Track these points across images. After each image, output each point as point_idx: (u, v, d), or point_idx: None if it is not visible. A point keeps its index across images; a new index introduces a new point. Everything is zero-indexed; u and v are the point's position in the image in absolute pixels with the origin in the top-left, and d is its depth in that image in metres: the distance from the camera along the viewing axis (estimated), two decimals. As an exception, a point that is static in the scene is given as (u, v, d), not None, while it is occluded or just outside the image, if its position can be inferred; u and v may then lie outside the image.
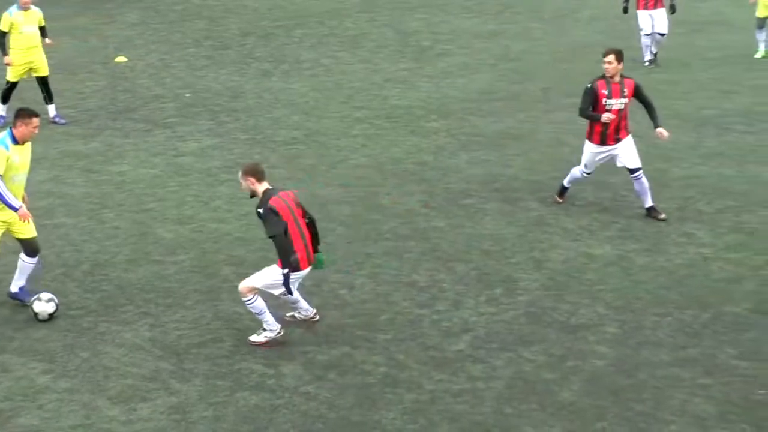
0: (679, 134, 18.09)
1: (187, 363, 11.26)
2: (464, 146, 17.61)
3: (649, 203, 14.74)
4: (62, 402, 10.58)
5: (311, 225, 11.64)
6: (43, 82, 18.67)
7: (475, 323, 12.04)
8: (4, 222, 12.00)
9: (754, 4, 23.79)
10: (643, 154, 17.06)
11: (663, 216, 14.60)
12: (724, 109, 19.39)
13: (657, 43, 22.61)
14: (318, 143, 17.86)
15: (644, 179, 14.68)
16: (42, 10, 18.72)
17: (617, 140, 14.81)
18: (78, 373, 11.08)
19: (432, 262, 13.51)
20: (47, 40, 18.60)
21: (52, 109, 18.93)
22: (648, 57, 22.53)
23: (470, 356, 11.37)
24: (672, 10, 22.55)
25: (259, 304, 11.42)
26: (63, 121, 18.70)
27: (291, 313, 12.02)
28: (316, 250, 11.64)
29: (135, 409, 10.45)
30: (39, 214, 13.92)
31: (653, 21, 22.42)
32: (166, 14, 27.27)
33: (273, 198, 11.27)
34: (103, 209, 15.08)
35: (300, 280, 11.55)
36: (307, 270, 11.58)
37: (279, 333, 11.57)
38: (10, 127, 11.99)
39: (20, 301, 12.33)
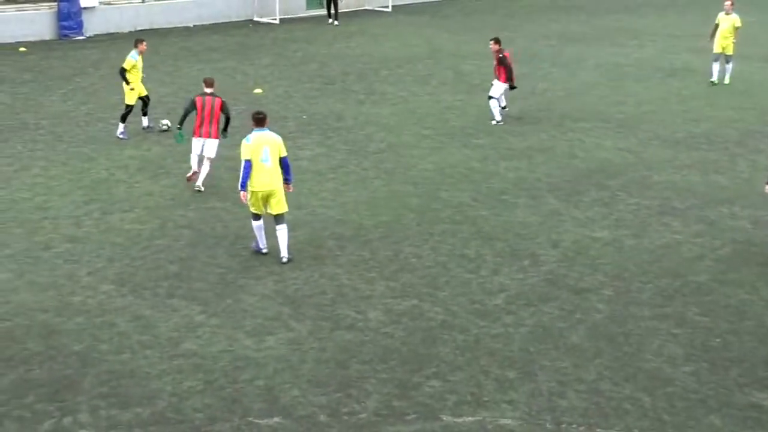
0: (659, 151, 17.76)
1: (301, 309, 11.29)
2: (502, 157, 17.43)
3: None
4: (213, 334, 10.67)
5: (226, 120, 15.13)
6: (144, 100, 18.67)
7: (509, 285, 11.93)
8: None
9: (711, 42, 23.26)
10: (632, 165, 16.83)
11: None
12: (693, 133, 18.99)
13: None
14: (397, 153, 17.78)
15: None
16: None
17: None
18: (224, 314, 11.16)
19: (477, 240, 13.39)
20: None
21: (145, 120, 18.85)
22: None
23: (504, 309, 11.27)
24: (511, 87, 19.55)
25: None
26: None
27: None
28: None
29: (264, 341, 10.51)
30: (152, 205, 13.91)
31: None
32: (290, 58, 27.31)
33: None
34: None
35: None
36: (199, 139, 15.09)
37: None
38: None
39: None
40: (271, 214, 12.46)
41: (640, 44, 29.27)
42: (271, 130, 12.63)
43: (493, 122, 19.51)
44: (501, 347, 10.33)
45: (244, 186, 12.28)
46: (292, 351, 10.26)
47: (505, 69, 19.44)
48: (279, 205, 12.40)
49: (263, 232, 12.63)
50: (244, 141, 12.37)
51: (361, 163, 17.11)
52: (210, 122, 15.22)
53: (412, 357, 10.12)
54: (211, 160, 15.44)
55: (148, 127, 18.97)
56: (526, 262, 12.58)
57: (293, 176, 12.82)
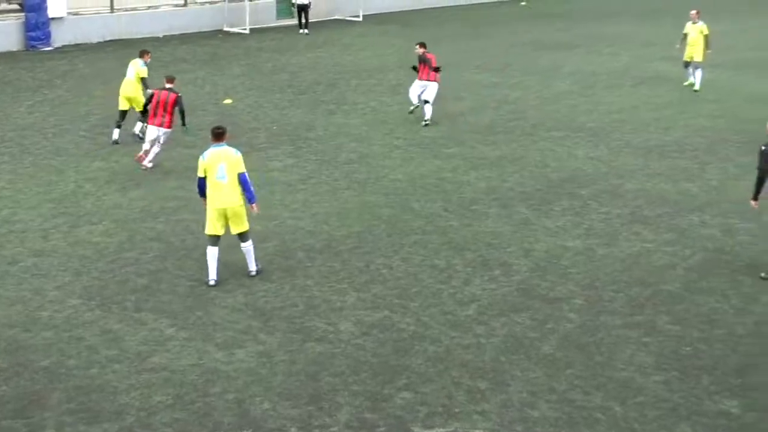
0: (631, 159, 17.94)
1: (271, 321, 11.30)
2: (473, 166, 17.53)
3: None
4: (183, 347, 10.65)
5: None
6: (123, 114, 19.07)
7: (480, 295, 11.99)
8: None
9: (681, 50, 23.88)
10: (603, 174, 16.99)
11: None
12: (664, 141, 19.20)
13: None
14: (368, 163, 17.84)
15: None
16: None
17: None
18: (194, 327, 11.14)
19: (448, 251, 13.46)
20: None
21: (116, 133, 19.02)
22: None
23: (476, 319, 11.33)
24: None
25: None
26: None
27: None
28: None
29: (234, 353, 10.50)
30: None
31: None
32: (260, 68, 27.34)
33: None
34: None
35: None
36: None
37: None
38: None
39: None
40: (233, 234, 12.24)
41: (615, 52, 29.57)
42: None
43: (426, 119, 20.30)
44: (472, 358, 10.39)
45: (203, 195, 12.21)
46: (263, 364, 10.27)
47: (426, 66, 20.18)
48: (239, 223, 12.10)
49: (216, 263, 12.16)
50: (200, 157, 12.20)
51: (331, 173, 17.15)
52: (164, 113, 16.95)
53: (384, 369, 10.16)
54: (161, 146, 17.20)
55: (116, 142, 18.92)
56: (497, 272, 12.66)
57: (256, 194, 12.37)
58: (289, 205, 15.44)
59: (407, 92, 21.15)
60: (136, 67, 18.90)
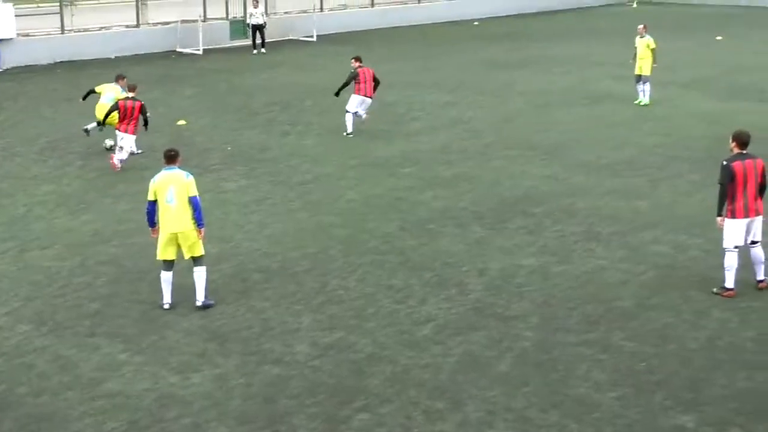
0: (584, 177, 18.16)
1: (227, 344, 11.24)
2: (428, 185, 17.62)
3: None
4: (137, 372, 10.55)
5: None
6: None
7: (436, 315, 12.04)
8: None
9: (634, 65, 24.47)
10: (557, 192, 17.17)
11: None
12: (616, 159, 19.46)
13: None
14: (323, 184, 17.85)
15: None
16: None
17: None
18: (148, 351, 11.04)
19: (404, 270, 13.50)
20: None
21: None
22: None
23: (432, 339, 11.36)
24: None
25: None
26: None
27: None
28: None
29: (189, 377, 10.42)
30: (81, 242, 13.76)
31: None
32: (214, 89, 27.28)
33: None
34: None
35: None
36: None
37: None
38: None
39: None
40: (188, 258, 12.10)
41: (566, 71, 29.94)
42: (195, 162, 12.62)
43: (345, 134, 21.29)
44: (429, 377, 10.42)
45: (152, 224, 12.07)
46: (219, 387, 10.21)
47: (365, 81, 21.21)
48: (193, 248, 11.96)
49: (170, 287, 12.04)
50: (151, 180, 12.08)
51: (286, 194, 17.14)
52: (129, 120, 18.41)
53: (341, 390, 10.15)
54: (126, 151, 18.51)
55: (109, 148, 19.55)
56: (453, 291, 12.73)
57: (209, 215, 12.23)
58: (243, 226, 15.39)
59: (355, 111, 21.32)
60: (116, 92, 19.50)
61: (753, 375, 10.43)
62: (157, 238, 12.10)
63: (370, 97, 21.38)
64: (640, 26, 24.74)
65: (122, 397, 9.99)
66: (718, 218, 12.52)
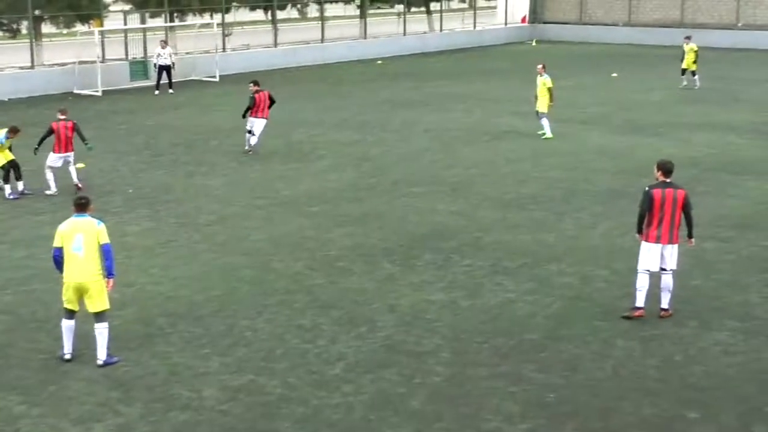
0: (490, 212, 18.38)
1: (131, 392, 10.91)
2: (337, 224, 17.58)
3: None
4: (35, 425, 10.13)
5: None
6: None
7: (347, 353, 11.94)
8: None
9: (535, 102, 25.50)
10: (464, 227, 17.33)
11: None
12: (521, 194, 19.77)
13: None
14: (228, 224, 17.63)
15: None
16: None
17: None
18: (47, 402, 10.63)
19: (314, 309, 13.38)
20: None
21: (20, 185, 19.79)
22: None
23: (343, 378, 11.25)
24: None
25: None
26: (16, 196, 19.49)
27: None
28: None
29: (91, 428, 10.06)
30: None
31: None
32: (115, 131, 26.81)
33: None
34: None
35: None
36: None
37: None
38: None
39: None
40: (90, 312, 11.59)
41: (467, 109, 30.46)
42: (95, 206, 12.25)
43: (246, 148, 23.42)
44: (341, 417, 10.30)
45: (62, 271, 11.56)
46: (123, 437, 9.88)
47: (261, 104, 23.17)
48: (96, 301, 11.43)
49: (72, 335, 11.56)
50: (59, 226, 11.64)
51: (191, 236, 16.87)
52: (66, 141, 19.58)
53: (251, 434, 9.94)
54: (73, 166, 19.87)
55: (22, 192, 19.57)
56: (363, 329, 12.65)
57: (116, 268, 11.73)
58: (147, 270, 15.05)
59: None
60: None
61: (657, 401, 10.63)
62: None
63: (266, 118, 23.26)
64: (539, 66, 25.62)
65: (20, 451, 9.58)
66: (637, 235, 12.95)
